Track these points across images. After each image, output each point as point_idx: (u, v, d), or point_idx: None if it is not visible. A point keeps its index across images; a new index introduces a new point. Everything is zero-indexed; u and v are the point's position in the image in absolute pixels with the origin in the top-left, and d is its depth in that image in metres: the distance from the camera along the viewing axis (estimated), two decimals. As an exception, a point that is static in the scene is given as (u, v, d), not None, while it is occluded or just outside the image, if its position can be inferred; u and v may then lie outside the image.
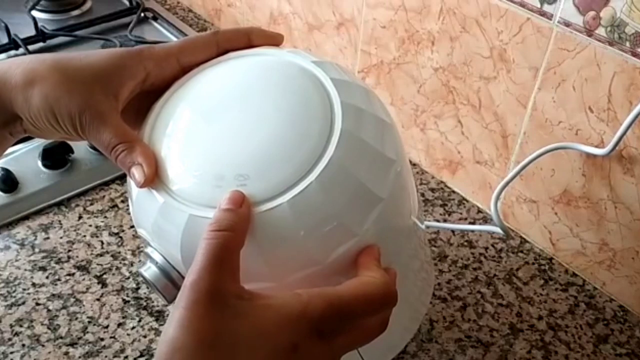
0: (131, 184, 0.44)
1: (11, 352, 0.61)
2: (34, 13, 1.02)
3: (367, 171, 0.41)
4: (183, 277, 0.42)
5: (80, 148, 0.79)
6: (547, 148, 0.66)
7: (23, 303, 0.65)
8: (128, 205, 0.76)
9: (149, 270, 0.43)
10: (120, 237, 0.72)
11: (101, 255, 0.70)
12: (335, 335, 0.38)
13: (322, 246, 0.40)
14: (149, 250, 0.44)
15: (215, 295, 0.36)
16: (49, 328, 0.63)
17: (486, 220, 0.77)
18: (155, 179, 0.42)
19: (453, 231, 0.76)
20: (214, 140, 0.42)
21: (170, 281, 0.43)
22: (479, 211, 0.79)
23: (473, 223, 0.77)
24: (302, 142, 0.41)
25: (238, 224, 0.38)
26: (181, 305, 0.35)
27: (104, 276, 0.68)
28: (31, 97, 0.42)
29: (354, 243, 0.41)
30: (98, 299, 0.66)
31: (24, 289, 0.66)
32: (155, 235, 0.43)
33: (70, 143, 0.78)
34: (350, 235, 0.41)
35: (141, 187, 0.42)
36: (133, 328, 0.63)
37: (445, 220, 0.77)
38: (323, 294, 0.38)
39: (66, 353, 0.61)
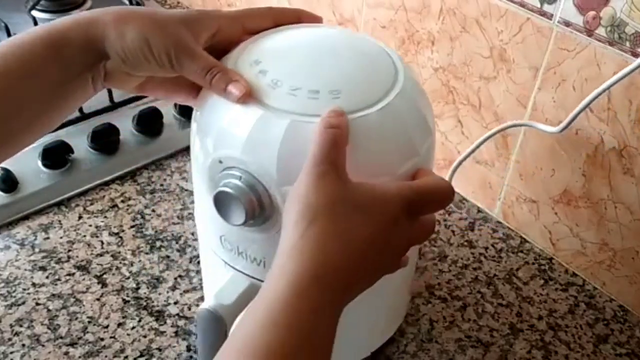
0: (215, 108, 0.47)
1: (11, 352, 0.61)
2: (34, 13, 1.02)
3: (424, 108, 0.50)
4: (267, 190, 0.45)
5: (80, 148, 0.79)
6: (501, 126, 0.69)
7: (23, 303, 0.65)
8: (128, 205, 0.76)
9: (230, 184, 0.45)
10: (120, 237, 0.72)
11: (101, 255, 0.70)
12: (416, 219, 0.43)
13: (395, 156, 0.46)
14: (222, 174, 0.46)
15: (337, 169, 0.41)
16: (49, 328, 0.63)
17: (486, 220, 0.77)
18: (251, 94, 0.46)
19: (453, 231, 0.76)
20: (303, 64, 0.48)
21: (255, 194, 0.45)
22: (479, 211, 0.79)
23: (473, 223, 0.77)
24: (378, 73, 0.49)
25: (344, 124, 0.43)
26: (312, 175, 0.41)
27: (104, 276, 0.68)
28: (126, 31, 0.45)
29: (416, 161, 0.47)
30: (98, 299, 0.66)
31: (24, 289, 0.66)
32: (247, 150, 0.45)
33: (70, 143, 0.78)
34: (415, 152, 0.47)
35: (241, 100, 0.45)
36: (133, 328, 0.63)
37: (445, 220, 0.77)
38: (408, 182, 0.45)
39: (66, 353, 0.61)
